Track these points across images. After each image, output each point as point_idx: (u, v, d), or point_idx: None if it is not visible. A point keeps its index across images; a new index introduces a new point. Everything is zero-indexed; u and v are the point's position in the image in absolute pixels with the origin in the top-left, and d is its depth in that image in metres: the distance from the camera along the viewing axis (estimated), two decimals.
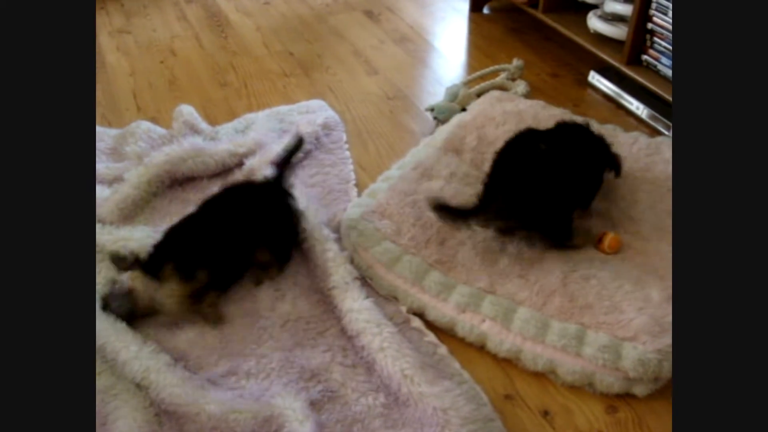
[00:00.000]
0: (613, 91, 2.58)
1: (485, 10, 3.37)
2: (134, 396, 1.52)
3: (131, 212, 2.04)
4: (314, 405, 1.51)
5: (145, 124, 2.39)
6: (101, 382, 1.56)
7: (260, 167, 2.11)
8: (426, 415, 1.46)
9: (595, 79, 2.66)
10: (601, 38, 2.61)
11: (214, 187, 2.09)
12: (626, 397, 1.55)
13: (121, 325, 1.64)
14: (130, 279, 1.68)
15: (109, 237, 1.89)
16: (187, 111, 2.42)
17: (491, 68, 2.68)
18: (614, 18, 2.58)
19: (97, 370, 1.58)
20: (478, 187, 1.94)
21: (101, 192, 2.07)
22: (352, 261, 1.82)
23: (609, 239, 1.79)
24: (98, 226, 1.96)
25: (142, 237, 1.89)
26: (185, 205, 2.04)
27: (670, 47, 2.31)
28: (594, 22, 2.61)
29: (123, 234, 1.91)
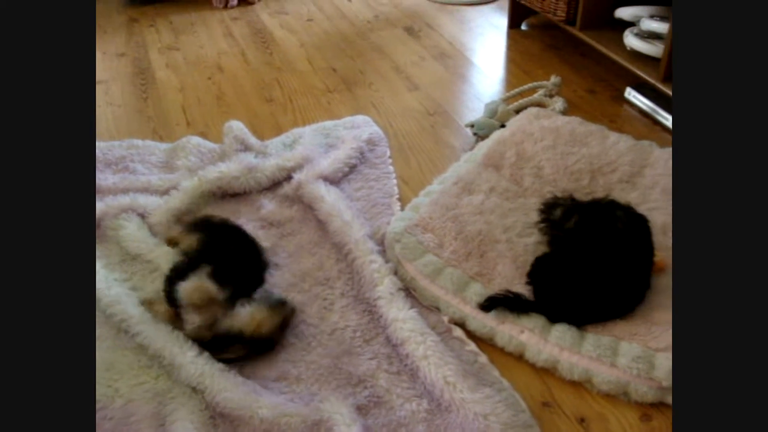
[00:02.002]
0: (649, 107, 2.62)
1: (523, 27, 3.43)
2: (191, 399, 1.60)
3: (182, 219, 2.12)
4: (361, 410, 1.58)
5: (195, 139, 2.48)
6: (159, 385, 1.64)
7: (308, 181, 2.20)
8: (467, 420, 1.52)
9: (632, 95, 2.71)
10: (637, 55, 2.65)
11: (265, 200, 2.20)
12: (660, 406, 1.59)
13: (178, 332, 1.72)
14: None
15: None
16: (237, 126, 2.51)
17: (529, 85, 2.74)
18: (650, 36, 2.62)
19: (155, 373, 1.67)
20: (518, 202, 2.01)
21: (154, 201, 2.17)
22: (396, 273, 1.88)
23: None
24: (150, 236, 2.07)
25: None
26: (236, 216, 2.13)
27: None
28: (630, 40, 2.66)
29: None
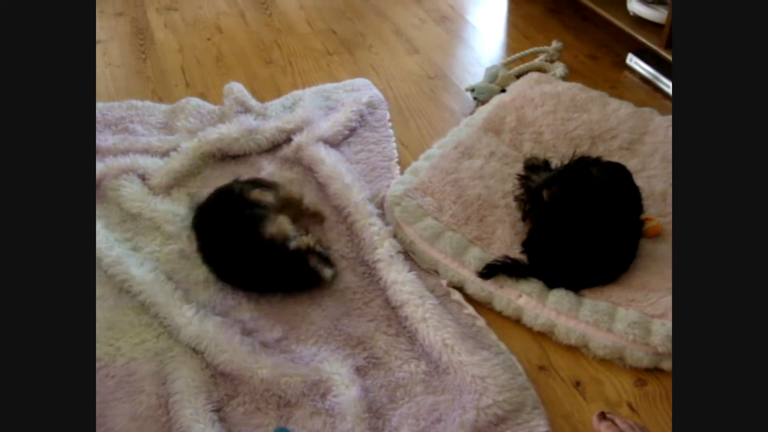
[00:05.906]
0: (651, 74, 2.62)
1: None
2: (192, 358, 1.62)
3: (182, 181, 2.14)
4: (359, 371, 1.60)
5: (195, 101, 2.48)
6: (160, 344, 1.67)
7: (308, 143, 2.19)
8: (465, 382, 1.54)
9: (633, 61, 2.70)
10: (639, 21, 2.63)
11: (265, 162, 2.20)
12: (655, 371, 1.61)
13: (179, 293, 1.74)
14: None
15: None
16: (237, 88, 2.50)
17: (530, 50, 2.73)
18: (654, 1, 2.60)
19: (156, 332, 1.69)
20: (518, 167, 2.01)
21: (154, 163, 2.17)
22: (395, 236, 1.89)
23: (650, 226, 1.84)
24: (150, 196, 2.07)
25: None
26: (235, 178, 2.13)
27: None
28: (633, 5, 2.63)
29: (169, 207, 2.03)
